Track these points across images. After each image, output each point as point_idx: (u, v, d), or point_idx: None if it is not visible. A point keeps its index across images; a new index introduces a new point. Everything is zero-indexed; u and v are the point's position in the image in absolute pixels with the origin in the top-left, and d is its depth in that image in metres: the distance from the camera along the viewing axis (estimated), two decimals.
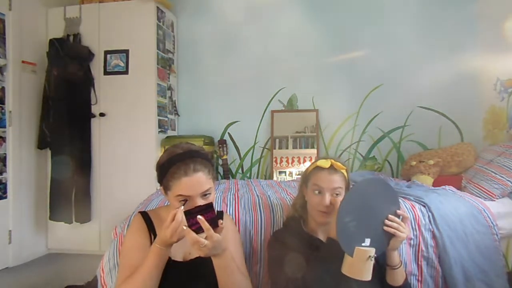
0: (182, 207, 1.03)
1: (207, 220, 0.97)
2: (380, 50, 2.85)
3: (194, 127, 3.06)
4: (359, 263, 1.07)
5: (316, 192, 1.25)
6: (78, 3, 2.74)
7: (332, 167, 1.27)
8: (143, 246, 1.10)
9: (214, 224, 0.99)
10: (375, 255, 1.08)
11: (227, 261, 1.05)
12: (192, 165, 1.09)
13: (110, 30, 2.66)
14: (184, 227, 0.97)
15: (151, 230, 1.15)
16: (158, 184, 1.17)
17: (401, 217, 1.17)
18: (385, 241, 1.15)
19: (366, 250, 1.07)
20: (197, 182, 1.08)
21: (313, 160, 1.43)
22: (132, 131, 2.62)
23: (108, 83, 2.65)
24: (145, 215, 1.20)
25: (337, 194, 1.24)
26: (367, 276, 1.07)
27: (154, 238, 1.13)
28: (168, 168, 1.10)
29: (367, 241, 1.11)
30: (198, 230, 0.97)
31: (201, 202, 1.07)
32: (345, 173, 1.28)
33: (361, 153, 2.91)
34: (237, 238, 1.25)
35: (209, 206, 1.00)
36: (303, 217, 1.34)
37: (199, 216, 0.97)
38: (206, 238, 0.97)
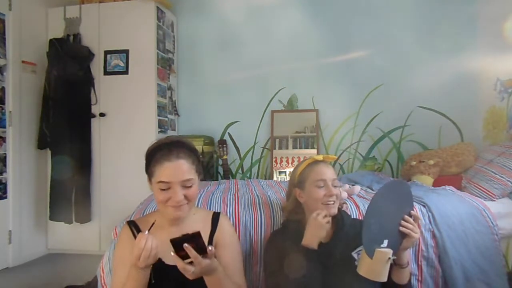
0: (147, 232, 1.02)
1: (194, 248, 0.95)
2: (380, 50, 2.85)
3: (194, 127, 3.06)
4: (379, 265, 1.08)
5: (321, 185, 1.26)
6: (78, 3, 2.73)
7: (325, 160, 1.34)
8: (131, 260, 1.09)
9: (203, 251, 0.97)
10: (394, 257, 1.09)
11: (218, 278, 1.04)
12: (175, 152, 1.11)
13: (110, 30, 2.66)
14: (172, 254, 0.96)
15: None
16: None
17: (412, 217, 1.19)
18: (399, 241, 1.16)
19: (386, 252, 1.08)
20: (178, 169, 1.09)
21: (299, 163, 1.44)
22: (132, 131, 2.62)
23: (108, 83, 2.65)
24: (133, 225, 1.18)
25: (335, 186, 1.27)
26: (384, 277, 1.08)
27: None
28: (154, 155, 1.12)
29: (385, 242, 1.11)
30: (187, 255, 0.96)
31: (181, 192, 1.07)
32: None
33: (361, 153, 2.91)
34: (235, 243, 1.23)
35: (196, 234, 0.97)
36: (301, 219, 1.34)
37: (185, 245, 0.94)
38: (194, 264, 0.96)
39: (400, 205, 1.18)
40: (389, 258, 1.08)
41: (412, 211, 1.20)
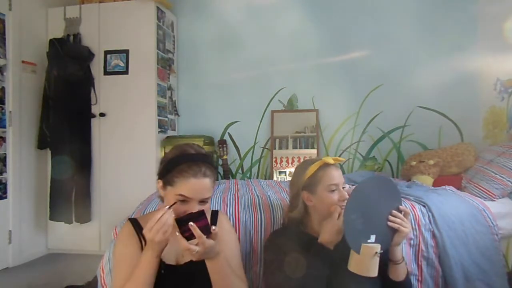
0: (167, 207, 1.02)
1: (199, 227, 0.96)
2: (380, 50, 2.85)
3: (194, 127, 3.06)
4: (366, 260, 1.08)
5: (334, 189, 1.26)
6: (78, 3, 2.74)
7: (336, 163, 1.31)
8: (135, 254, 1.09)
9: (207, 231, 0.98)
10: (381, 251, 1.10)
11: (221, 265, 1.04)
12: (203, 168, 1.08)
13: (110, 30, 2.66)
14: (177, 233, 0.97)
15: (142, 237, 1.13)
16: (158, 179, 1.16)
17: (402, 212, 1.19)
18: (389, 237, 1.16)
19: (372, 247, 1.09)
20: (202, 187, 1.07)
21: (302, 164, 1.40)
22: (132, 131, 2.62)
23: (108, 83, 2.65)
24: (134, 222, 1.18)
25: (343, 188, 1.27)
26: (374, 272, 1.09)
27: (145, 245, 1.11)
28: (178, 164, 1.08)
29: (372, 238, 1.12)
30: (191, 236, 0.97)
31: (197, 208, 1.05)
32: None
33: (361, 153, 2.91)
34: (233, 239, 1.23)
35: (201, 213, 0.99)
36: (302, 221, 1.34)
37: (191, 223, 0.96)
38: (197, 244, 0.96)
39: (387, 200, 1.19)
40: (376, 252, 1.08)
41: (401, 206, 1.20)
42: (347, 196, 1.23)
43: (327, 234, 1.17)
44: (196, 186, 1.06)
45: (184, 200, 1.06)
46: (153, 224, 0.98)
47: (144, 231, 1.00)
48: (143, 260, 1.02)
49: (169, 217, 0.99)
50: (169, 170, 1.09)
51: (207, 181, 1.08)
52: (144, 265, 1.01)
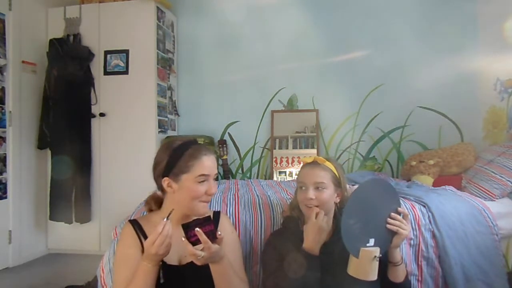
0: (165, 219, 1.02)
1: (205, 233, 0.97)
2: (380, 50, 2.85)
3: (194, 127, 3.06)
4: (365, 264, 1.08)
5: (302, 188, 1.26)
6: (78, 3, 2.74)
7: (314, 162, 1.28)
8: (136, 256, 1.08)
9: (213, 236, 0.99)
10: (380, 255, 1.09)
11: (225, 267, 1.05)
12: (206, 148, 1.16)
13: (110, 30, 2.66)
14: (183, 239, 0.97)
15: (144, 238, 1.13)
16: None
17: (401, 214, 1.19)
18: (388, 239, 1.16)
19: (372, 251, 1.08)
20: (214, 163, 1.15)
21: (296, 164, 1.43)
22: (132, 131, 2.62)
23: (108, 83, 2.65)
24: (135, 223, 1.18)
25: (322, 189, 1.22)
26: (373, 276, 1.08)
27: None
28: (184, 151, 1.12)
29: (371, 241, 1.12)
30: (197, 241, 0.97)
31: (214, 185, 1.13)
32: (332, 169, 1.27)
33: (361, 153, 2.91)
34: (235, 240, 1.24)
35: (207, 219, 1.00)
36: (300, 218, 1.34)
37: (197, 229, 0.97)
38: (203, 249, 0.97)
39: (385, 203, 1.18)
40: (375, 256, 1.08)
41: (399, 208, 1.20)
42: (310, 196, 1.21)
43: (310, 237, 1.16)
44: (210, 162, 1.13)
45: (204, 180, 1.11)
46: (155, 238, 0.98)
47: (146, 246, 1.00)
48: (142, 270, 1.02)
49: (170, 229, 1.00)
50: (176, 160, 1.11)
51: (214, 157, 1.16)
52: (143, 274, 1.02)
